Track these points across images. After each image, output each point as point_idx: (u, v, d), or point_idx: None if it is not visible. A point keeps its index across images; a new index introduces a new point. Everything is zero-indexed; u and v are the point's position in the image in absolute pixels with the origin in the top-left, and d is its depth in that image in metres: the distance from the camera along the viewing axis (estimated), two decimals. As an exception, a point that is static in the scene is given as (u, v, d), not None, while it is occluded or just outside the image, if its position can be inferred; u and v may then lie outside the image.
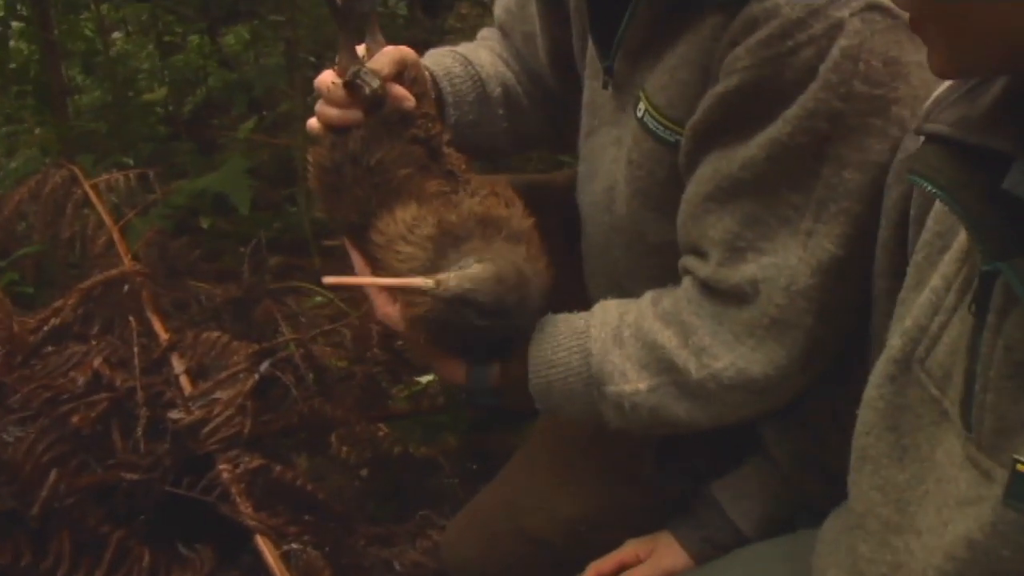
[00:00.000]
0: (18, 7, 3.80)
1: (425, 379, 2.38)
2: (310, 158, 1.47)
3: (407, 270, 1.33)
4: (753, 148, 1.26)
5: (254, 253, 2.84)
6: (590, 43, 1.51)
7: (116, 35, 4.62)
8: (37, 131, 3.76)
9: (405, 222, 1.35)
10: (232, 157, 3.58)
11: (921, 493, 1.02)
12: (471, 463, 2.29)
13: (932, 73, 0.89)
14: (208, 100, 4.27)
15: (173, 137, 3.96)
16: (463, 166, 1.45)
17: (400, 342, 2.21)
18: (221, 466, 1.81)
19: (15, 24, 3.92)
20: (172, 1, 4.18)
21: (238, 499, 1.78)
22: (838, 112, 1.21)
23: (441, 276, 1.27)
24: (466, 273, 1.27)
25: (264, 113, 4.06)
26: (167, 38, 4.35)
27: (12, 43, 4.09)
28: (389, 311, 1.43)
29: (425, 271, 1.31)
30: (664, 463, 1.62)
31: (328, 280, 1.28)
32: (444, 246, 1.32)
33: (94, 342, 1.92)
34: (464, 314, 1.29)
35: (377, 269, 1.41)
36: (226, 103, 4.22)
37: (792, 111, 1.22)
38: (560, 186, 1.75)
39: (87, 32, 4.13)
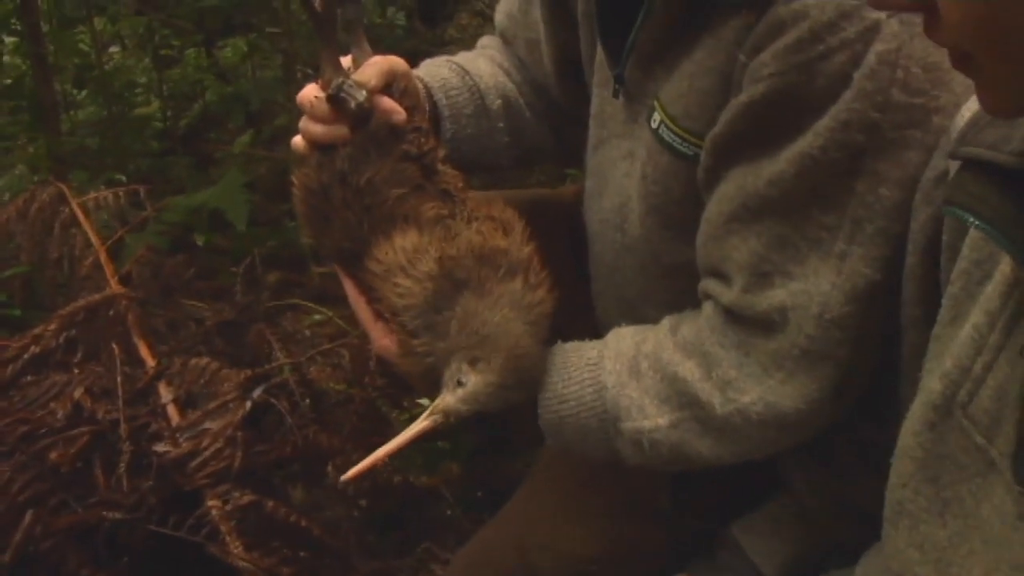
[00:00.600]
0: (12, 22, 3.72)
1: (426, 403, 2.27)
2: (295, 180, 1.38)
3: (403, 306, 1.27)
4: (781, 163, 1.16)
5: (249, 271, 2.76)
6: (599, 48, 1.41)
7: (113, 49, 4.56)
8: (31, 149, 3.67)
9: (406, 252, 1.28)
10: (229, 172, 3.50)
11: (965, 553, 0.93)
12: (475, 492, 2.21)
13: (986, 111, 0.79)
14: (205, 114, 4.21)
15: (169, 152, 3.89)
16: (459, 184, 1.36)
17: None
18: (210, 503, 1.73)
19: (8, 39, 3.84)
20: (168, 14, 4.10)
21: (228, 538, 1.70)
22: (874, 123, 1.11)
23: (446, 404, 1.24)
24: (469, 393, 1.23)
25: (261, 127, 3.98)
26: (164, 51, 4.27)
27: (7, 59, 4.01)
28: (386, 344, 1.34)
29: (420, 313, 1.26)
30: (681, 498, 1.53)
31: (347, 476, 1.26)
32: (443, 289, 1.26)
33: (76, 371, 1.85)
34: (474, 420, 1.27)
35: (371, 298, 1.33)
36: (223, 117, 4.15)
37: (824, 122, 1.12)
38: (567, 201, 1.66)
39: (82, 46, 4.05)
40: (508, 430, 2.02)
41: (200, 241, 3.39)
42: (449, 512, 2.14)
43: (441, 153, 1.37)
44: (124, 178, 3.47)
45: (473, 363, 1.23)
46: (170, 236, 3.24)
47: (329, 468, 1.97)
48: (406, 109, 1.34)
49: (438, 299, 1.26)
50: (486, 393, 1.23)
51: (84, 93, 4.14)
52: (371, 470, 1.27)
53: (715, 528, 1.54)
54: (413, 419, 1.29)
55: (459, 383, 1.23)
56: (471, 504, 2.14)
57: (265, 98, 3.79)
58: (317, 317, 3.13)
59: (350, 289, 1.40)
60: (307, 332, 2.84)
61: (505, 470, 2.18)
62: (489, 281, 1.26)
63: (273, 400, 1.93)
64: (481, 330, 1.24)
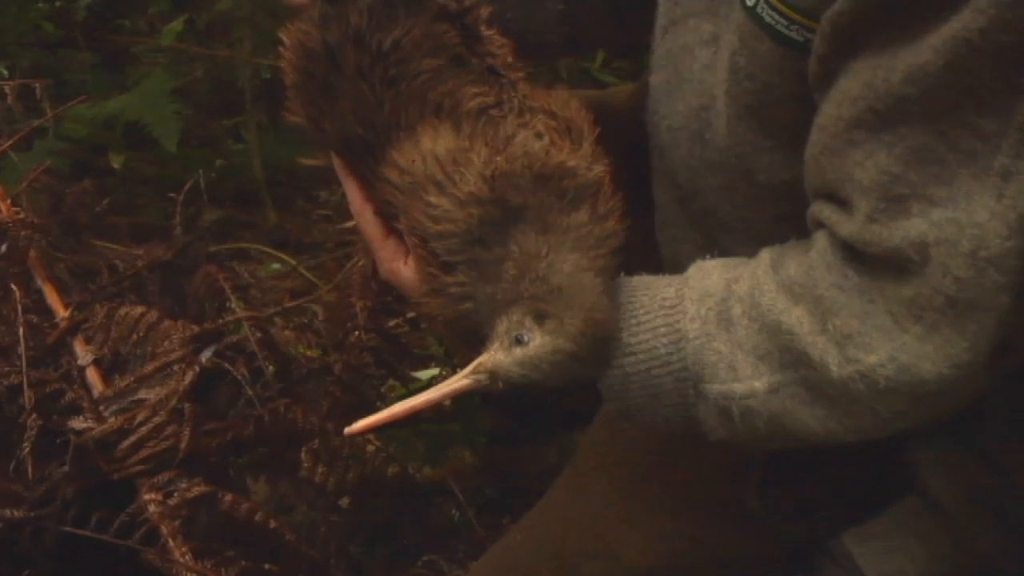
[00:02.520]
0: None
1: (427, 374, 2.36)
2: (287, 40, 1.41)
3: (437, 232, 1.30)
4: (925, 51, 1.16)
5: (188, 203, 2.79)
6: None
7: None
8: None
9: (440, 160, 1.30)
10: (152, 73, 3.54)
11: None
12: (493, 489, 2.25)
13: None
14: (115, -9, 4.19)
15: (66, 43, 3.89)
16: (508, 58, 1.39)
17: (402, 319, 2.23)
18: (147, 495, 1.75)
19: None
20: None
21: (170, 542, 1.72)
22: None
23: (497, 362, 1.28)
24: (531, 356, 1.28)
25: (195, 13, 3.97)
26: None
27: None
28: (401, 271, 1.39)
29: (461, 246, 1.29)
30: (774, 495, 1.58)
31: (353, 429, 1.31)
32: (491, 217, 1.29)
33: (-42, 324, 1.88)
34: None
35: (382, 206, 1.38)
36: (142, -2, 4.14)
37: None
38: (623, 104, 1.71)
39: None
40: (545, 408, 2.06)
41: (116, 164, 3.43)
42: (457, 514, 2.18)
43: (485, 12, 1.39)
44: (6, 72, 3.50)
45: (540, 319, 1.27)
46: (72, 156, 3.27)
47: (302, 454, 2.00)
48: None
49: (485, 230, 1.29)
50: (552, 361, 1.27)
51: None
52: (382, 427, 1.32)
53: (818, 536, 1.57)
54: (413, 395, 1.34)
55: (518, 340, 1.27)
56: (488, 505, 2.18)
57: (202, -31, 3.81)
58: (276, 267, 3.18)
59: (353, 192, 1.43)
60: (264, 286, 2.88)
61: (532, 461, 2.22)
62: (551, 212, 1.30)
63: (227, 366, 1.96)
64: (551, 279, 1.27)
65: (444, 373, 2.34)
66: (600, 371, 1.35)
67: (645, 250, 1.56)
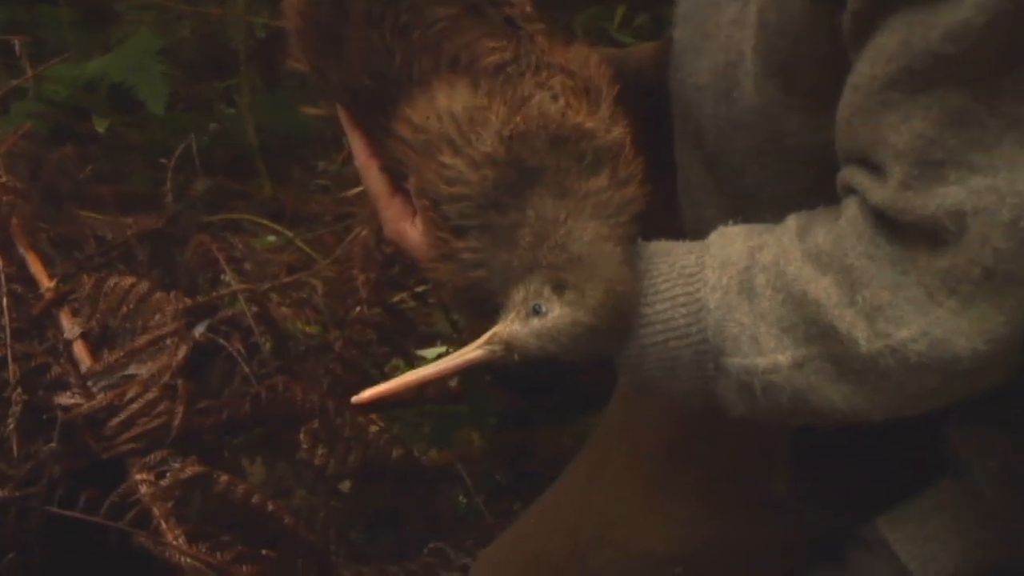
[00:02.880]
0: None
1: (433, 352, 2.38)
2: None
3: (450, 194, 1.32)
4: (966, 8, 1.18)
5: (176, 172, 2.81)
6: None
7: None
8: None
9: (456, 118, 1.32)
10: (137, 32, 3.57)
11: None
12: (502, 474, 2.29)
13: None
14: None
15: (42, -2, 3.91)
16: (527, 7, 1.41)
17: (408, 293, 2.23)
18: (138, 476, 1.79)
19: None
20: None
21: (163, 525, 1.76)
22: None
23: (513, 333, 1.31)
24: (549, 327, 1.30)
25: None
26: None
27: None
28: (407, 232, 1.41)
29: (474, 209, 1.31)
30: (803, 479, 1.59)
31: (362, 397, 1.32)
32: (507, 180, 1.31)
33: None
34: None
35: (389, 163, 1.40)
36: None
37: None
38: (644, 62, 1.72)
39: None
40: (559, 388, 2.08)
41: (100, 128, 3.45)
42: (465, 500, 2.21)
43: None
44: (-25, 26, 3.50)
45: (559, 289, 1.29)
46: (51, 120, 3.30)
47: (301, 435, 2.03)
48: None
49: (500, 193, 1.31)
50: (571, 334, 1.30)
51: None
52: (393, 396, 1.34)
53: (850, 522, 1.59)
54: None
55: (535, 310, 1.30)
56: (497, 490, 2.22)
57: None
58: (271, 239, 3.21)
59: (358, 146, 1.45)
60: (259, 259, 2.88)
61: (545, 443, 2.25)
62: (569, 176, 1.32)
63: (222, 341, 2.00)
64: (570, 247, 1.30)
65: (451, 351, 2.39)
66: (620, 346, 1.36)
67: (666, 216, 1.58)
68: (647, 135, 1.56)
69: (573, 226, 1.30)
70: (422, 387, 2.29)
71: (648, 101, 1.61)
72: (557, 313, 1.29)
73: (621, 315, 1.33)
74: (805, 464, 1.58)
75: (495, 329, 1.32)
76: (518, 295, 1.31)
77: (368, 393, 1.32)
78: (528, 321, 1.30)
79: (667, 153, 1.61)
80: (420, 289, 2.37)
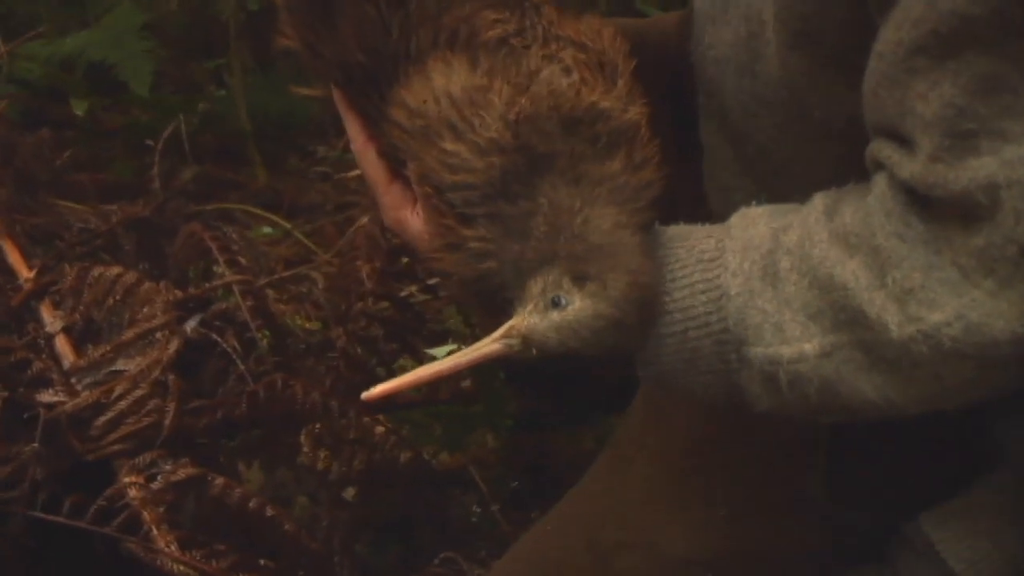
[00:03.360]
0: None
1: (443, 351, 2.40)
2: None
3: (453, 183, 1.36)
4: None
5: (165, 157, 2.83)
6: None
7: None
8: None
9: (455, 100, 1.36)
10: (118, 5, 3.60)
11: None
12: (519, 479, 2.32)
13: None
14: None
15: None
16: None
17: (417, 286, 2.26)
18: (126, 478, 1.82)
19: None
20: None
21: (154, 530, 1.78)
22: None
23: (531, 326, 1.35)
24: (570, 320, 1.34)
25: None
26: None
27: None
28: (407, 220, 1.46)
29: (482, 198, 1.35)
30: (840, 478, 1.64)
31: (371, 394, 1.35)
32: (515, 167, 1.35)
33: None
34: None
35: (387, 148, 1.43)
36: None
37: None
38: (667, 33, 1.75)
39: None
40: (580, 387, 2.10)
41: (78, 111, 3.47)
42: (479, 508, 2.24)
43: None
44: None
45: (580, 281, 1.34)
46: (25, 102, 3.33)
47: (302, 438, 2.08)
48: None
49: (509, 181, 1.35)
50: (593, 327, 1.34)
51: None
52: (404, 392, 1.39)
53: (890, 523, 1.63)
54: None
55: (555, 303, 1.34)
56: (513, 497, 2.24)
57: None
58: (267, 231, 3.25)
59: (354, 129, 1.49)
60: (255, 251, 2.87)
61: (564, 447, 2.29)
62: (583, 160, 1.36)
63: (216, 337, 2.04)
64: (589, 236, 1.34)
65: (463, 349, 2.40)
66: (643, 340, 1.40)
67: (693, 201, 1.64)
68: (671, 114, 1.62)
69: (590, 214, 1.34)
70: (434, 386, 2.33)
71: (672, 76, 1.67)
72: (578, 305, 1.33)
73: (645, 307, 1.37)
74: (842, 462, 1.62)
75: (512, 322, 1.36)
76: (535, 287, 1.35)
77: (379, 389, 1.35)
78: (547, 314, 1.34)
79: (693, 133, 1.66)
80: (431, 282, 2.37)
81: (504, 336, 1.36)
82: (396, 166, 1.47)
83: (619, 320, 1.34)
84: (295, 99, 3.64)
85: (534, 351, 1.36)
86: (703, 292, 1.40)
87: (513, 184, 1.35)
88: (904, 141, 1.32)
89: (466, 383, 2.37)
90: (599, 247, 1.34)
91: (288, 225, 3.22)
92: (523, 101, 1.34)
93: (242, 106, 3.60)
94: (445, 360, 1.39)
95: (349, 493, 2.23)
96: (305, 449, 2.14)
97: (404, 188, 1.47)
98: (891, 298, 1.32)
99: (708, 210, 1.66)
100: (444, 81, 1.37)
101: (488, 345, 1.37)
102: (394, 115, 1.40)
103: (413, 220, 1.46)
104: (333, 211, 3.44)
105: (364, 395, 1.36)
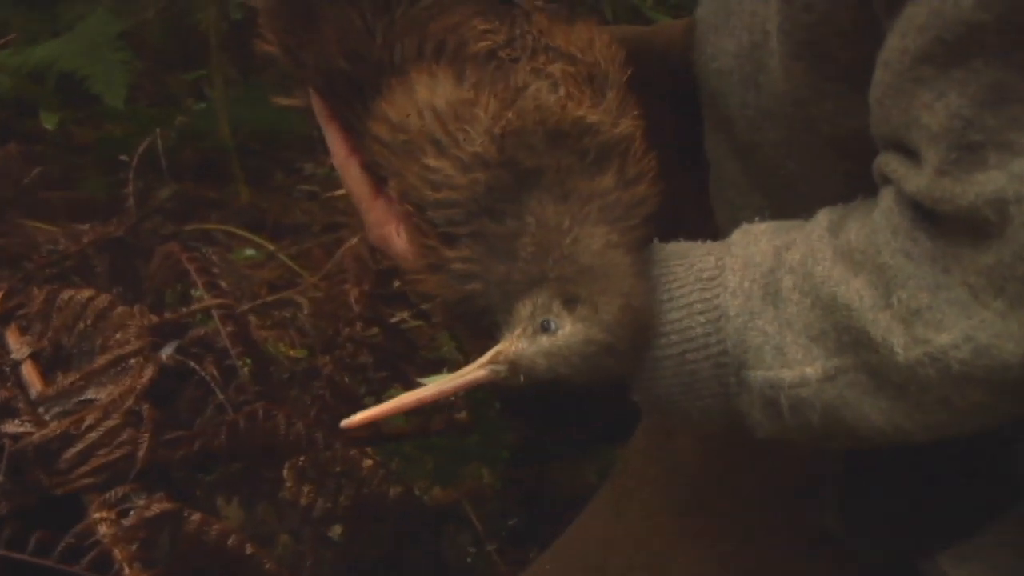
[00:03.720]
0: None
1: (436, 379, 2.37)
2: None
3: (436, 200, 1.40)
4: None
5: (140, 174, 2.84)
6: None
7: None
8: None
9: (439, 114, 1.40)
10: (92, 13, 3.64)
11: None
12: (516, 516, 2.35)
13: None
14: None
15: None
16: None
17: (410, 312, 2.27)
18: (96, 514, 1.85)
19: None
20: None
21: (126, 569, 1.81)
22: None
23: (520, 351, 1.38)
24: (560, 346, 1.38)
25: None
26: None
27: None
28: (391, 238, 1.50)
29: (465, 217, 1.39)
30: (855, 511, 1.66)
31: (350, 422, 1.37)
32: (501, 183, 1.39)
33: None
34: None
35: (370, 161, 1.47)
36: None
37: None
38: (672, 43, 1.79)
39: None
40: (579, 417, 2.13)
41: (48, 125, 3.51)
42: (474, 547, 2.25)
43: None
44: None
45: (569, 304, 1.37)
46: None
47: (285, 472, 2.09)
48: None
49: (494, 197, 1.38)
50: (584, 353, 1.37)
51: None
52: (391, 422, 1.45)
53: (907, 560, 1.66)
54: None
55: (544, 327, 1.37)
56: (510, 535, 2.27)
57: None
58: (249, 253, 3.28)
59: (336, 141, 1.53)
60: (237, 274, 2.89)
61: (564, 481, 2.31)
62: (571, 176, 1.39)
63: (194, 365, 2.07)
64: (579, 257, 1.38)
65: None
66: (636, 366, 1.44)
67: (698, 215, 1.68)
68: (676, 124, 1.67)
69: (579, 233, 1.38)
70: (426, 416, 2.34)
71: (677, 85, 1.70)
72: (569, 330, 1.37)
73: (638, 332, 1.40)
74: (857, 492, 1.65)
75: (499, 347, 1.39)
76: (524, 310, 1.38)
77: (360, 416, 1.37)
78: (536, 339, 1.38)
79: (700, 144, 1.70)
80: (425, 306, 2.37)
81: (491, 362, 1.39)
82: (380, 181, 1.50)
83: (611, 345, 1.38)
84: (280, 113, 3.54)
85: (522, 378, 1.39)
86: (701, 313, 1.43)
87: (499, 201, 1.38)
88: (910, 154, 1.35)
89: (460, 414, 2.38)
90: (590, 268, 1.38)
91: (272, 247, 3.26)
92: (509, 115, 1.37)
93: (224, 120, 3.62)
94: (429, 387, 1.42)
95: (335, 531, 2.25)
96: (288, 483, 2.15)
97: (388, 204, 1.50)
98: (897, 319, 1.35)
99: (715, 225, 1.69)
100: (428, 94, 1.40)
101: (473, 371, 1.39)
102: (375, 129, 1.43)
103: (397, 240, 1.50)
104: (320, 232, 3.46)
105: (344, 423, 1.38)
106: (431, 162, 1.39)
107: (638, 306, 1.40)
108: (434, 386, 1.42)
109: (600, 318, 1.37)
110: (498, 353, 1.39)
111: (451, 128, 1.38)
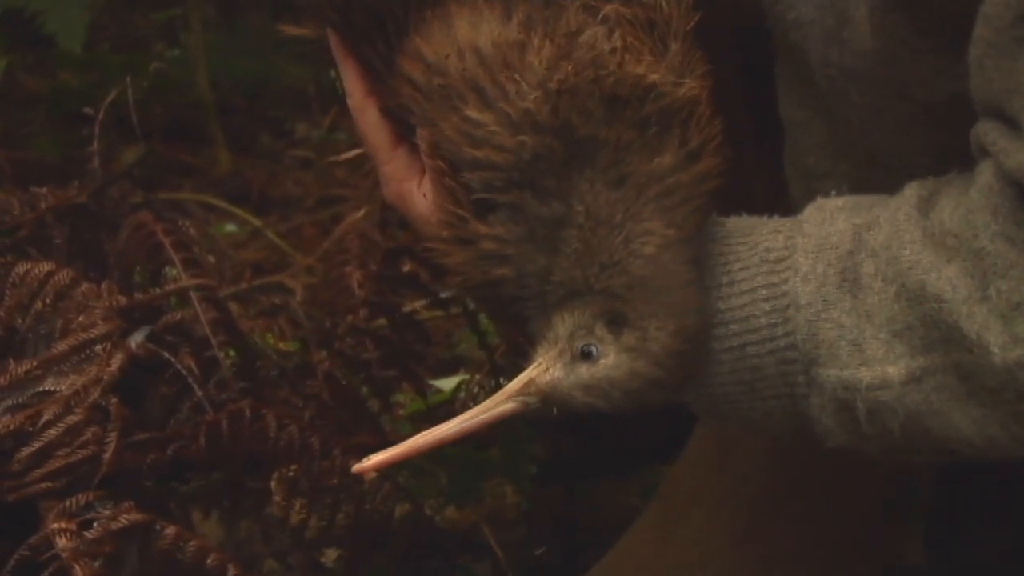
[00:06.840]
0: None
1: (452, 383, 2.50)
2: None
3: (474, 160, 1.45)
4: None
5: (107, 128, 2.81)
6: None
7: None
8: None
9: (484, 57, 1.44)
10: None
11: None
12: (544, 542, 2.37)
13: None
14: None
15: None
16: None
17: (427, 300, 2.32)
18: (55, 524, 1.88)
19: None
20: None
21: None
22: None
23: (554, 382, 1.46)
24: (601, 378, 1.45)
25: None
26: None
27: None
28: (409, 192, 1.56)
29: (506, 183, 1.45)
30: (943, 541, 1.73)
31: (364, 466, 1.46)
32: (551, 151, 1.43)
33: None
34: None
35: (401, 118, 1.53)
36: None
37: None
38: None
39: None
40: (623, 432, 2.19)
41: None
42: None
43: None
44: None
45: (615, 327, 1.44)
46: None
47: (273, 483, 2.12)
48: None
49: (541, 169, 1.43)
50: (626, 388, 1.45)
51: None
52: (399, 463, 1.48)
53: None
54: (432, 409, 1.49)
55: (584, 354, 1.44)
56: (536, 565, 2.29)
57: None
58: (230, 228, 3.35)
59: (352, 80, 1.58)
60: (218, 252, 2.96)
61: (602, 504, 2.35)
62: (629, 154, 1.44)
63: (167, 355, 2.12)
64: (630, 267, 1.43)
65: (475, 383, 2.46)
66: (685, 395, 1.50)
67: (770, 189, 1.74)
68: (745, 84, 1.76)
69: (633, 230, 1.44)
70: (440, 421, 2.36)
71: (749, 38, 1.76)
72: (612, 360, 1.45)
73: (691, 358, 1.46)
74: (945, 519, 1.70)
75: (531, 374, 1.46)
76: (562, 326, 1.46)
77: (373, 461, 1.45)
78: (574, 367, 1.45)
79: (774, 108, 1.75)
80: (443, 295, 2.37)
81: (521, 392, 1.46)
82: (402, 129, 1.54)
83: (659, 381, 1.45)
84: (268, 62, 3.71)
85: (554, 411, 1.46)
86: (767, 300, 1.48)
87: (545, 175, 1.43)
88: (1013, 123, 1.39)
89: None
90: (640, 281, 1.43)
91: (258, 222, 3.32)
92: (568, 67, 1.40)
93: (202, 70, 3.66)
94: (451, 423, 1.48)
95: (329, 556, 2.29)
96: (276, 497, 2.16)
97: (410, 155, 1.55)
98: (994, 314, 1.40)
99: (788, 203, 1.72)
100: (471, 32, 1.44)
101: (501, 404, 1.47)
102: (406, 68, 1.47)
103: (418, 198, 1.55)
104: (315, 206, 3.50)
105: (355, 467, 1.47)
106: (473, 114, 1.43)
107: (692, 325, 1.45)
108: (456, 422, 1.48)
109: (648, 348, 1.43)
110: (530, 381, 1.46)
111: (499, 76, 1.42)
